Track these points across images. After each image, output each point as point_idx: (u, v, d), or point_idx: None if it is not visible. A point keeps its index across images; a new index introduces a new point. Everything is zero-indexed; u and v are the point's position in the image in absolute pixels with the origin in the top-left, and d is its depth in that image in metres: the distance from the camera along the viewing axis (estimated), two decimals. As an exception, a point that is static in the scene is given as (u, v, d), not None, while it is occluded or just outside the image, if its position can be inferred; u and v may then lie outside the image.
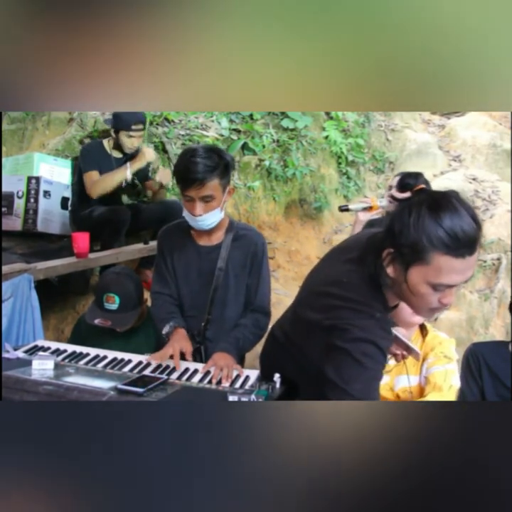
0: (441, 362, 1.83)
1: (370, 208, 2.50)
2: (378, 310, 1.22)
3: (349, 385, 1.17)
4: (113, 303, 1.94)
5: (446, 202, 1.11)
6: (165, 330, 1.79)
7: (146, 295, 2.15)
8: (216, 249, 1.89)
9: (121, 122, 2.94)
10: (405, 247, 1.12)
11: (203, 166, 1.70)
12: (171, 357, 1.66)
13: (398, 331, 1.58)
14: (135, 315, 2.00)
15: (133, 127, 2.94)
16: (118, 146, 3.01)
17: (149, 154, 2.98)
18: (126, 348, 1.78)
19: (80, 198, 3.00)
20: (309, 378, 1.29)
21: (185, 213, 1.82)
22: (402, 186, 2.45)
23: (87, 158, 2.96)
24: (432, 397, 1.76)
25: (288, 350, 1.46)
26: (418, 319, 1.75)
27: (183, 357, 1.68)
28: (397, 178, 2.55)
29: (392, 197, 2.48)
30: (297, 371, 1.44)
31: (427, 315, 1.28)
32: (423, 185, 1.26)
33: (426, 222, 1.09)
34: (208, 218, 1.79)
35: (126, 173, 2.90)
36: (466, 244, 1.09)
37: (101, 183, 2.88)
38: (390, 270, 1.19)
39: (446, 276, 1.11)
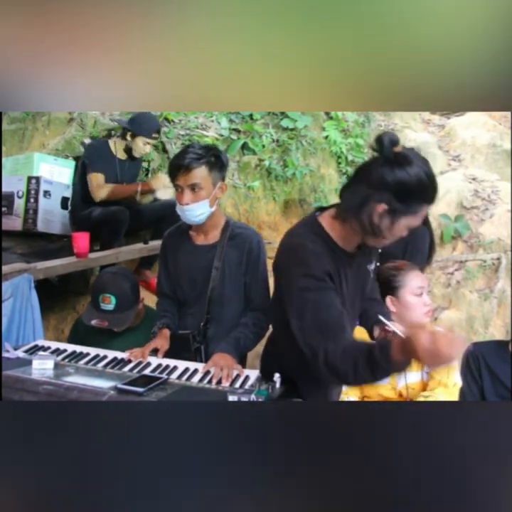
0: None
1: None
2: (311, 240, 1.31)
3: (302, 320, 1.25)
4: (109, 303, 1.94)
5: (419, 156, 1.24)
6: (153, 329, 1.88)
7: (143, 294, 2.15)
8: (212, 249, 1.91)
9: (142, 129, 2.95)
10: (402, 201, 1.23)
11: (190, 154, 1.78)
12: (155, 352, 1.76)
13: (395, 326, 1.58)
14: (132, 315, 2.00)
15: (153, 135, 2.98)
16: (128, 149, 3.01)
17: (164, 180, 2.98)
18: (125, 347, 1.77)
19: (80, 197, 3.00)
20: (305, 372, 1.30)
21: (177, 207, 1.84)
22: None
23: (94, 157, 2.97)
24: (439, 392, 1.77)
25: (281, 337, 1.47)
26: (427, 320, 1.80)
27: (155, 353, 1.76)
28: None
29: None
30: (293, 364, 1.45)
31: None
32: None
33: (423, 178, 1.21)
34: (196, 208, 1.80)
35: (136, 190, 2.96)
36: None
37: (108, 191, 2.90)
38: (380, 222, 1.26)
39: (419, 220, 1.28)
